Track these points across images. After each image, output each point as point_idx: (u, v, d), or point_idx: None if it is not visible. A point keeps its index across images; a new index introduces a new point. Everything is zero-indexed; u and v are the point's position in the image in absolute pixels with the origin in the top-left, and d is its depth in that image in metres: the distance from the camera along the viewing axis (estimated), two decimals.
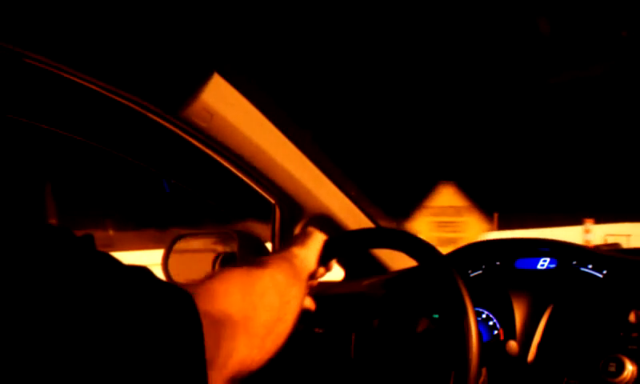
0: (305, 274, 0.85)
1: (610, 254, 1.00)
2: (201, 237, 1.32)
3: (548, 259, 1.04)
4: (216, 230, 1.31)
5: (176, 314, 0.54)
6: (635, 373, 0.84)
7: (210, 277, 0.67)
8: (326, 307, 1.05)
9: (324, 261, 0.94)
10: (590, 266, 0.98)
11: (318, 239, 0.93)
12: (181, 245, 1.29)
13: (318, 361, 1.08)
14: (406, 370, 0.96)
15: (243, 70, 1.10)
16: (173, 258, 1.28)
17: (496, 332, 0.99)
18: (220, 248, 1.27)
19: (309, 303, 0.94)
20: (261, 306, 0.67)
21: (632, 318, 0.88)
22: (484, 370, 0.85)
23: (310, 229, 0.96)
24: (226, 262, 1.24)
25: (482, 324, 1.00)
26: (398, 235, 0.94)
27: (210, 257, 1.26)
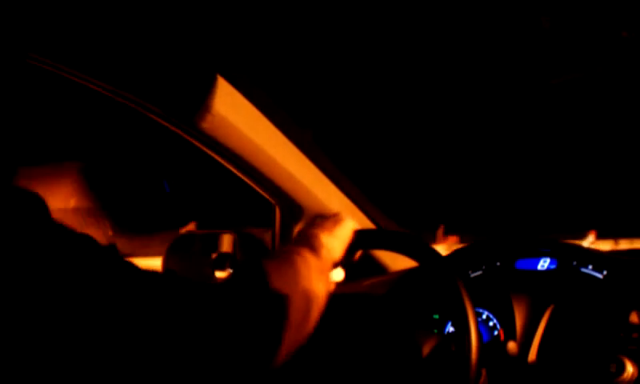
0: (329, 265, 0.82)
1: (610, 255, 1.00)
2: (201, 237, 1.32)
3: (548, 260, 1.04)
4: (216, 231, 1.31)
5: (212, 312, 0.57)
6: (635, 373, 0.84)
7: (241, 273, 0.68)
8: (326, 307, 1.05)
9: (351, 252, 0.90)
10: (591, 267, 0.98)
11: (347, 228, 0.88)
12: (181, 245, 1.29)
13: (317, 360, 1.08)
14: (407, 371, 0.96)
15: (244, 71, 1.10)
16: (173, 258, 1.28)
17: (496, 332, 0.99)
18: (220, 248, 1.27)
19: (337, 276, 0.90)
20: (289, 307, 0.67)
21: (632, 318, 0.88)
22: (484, 371, 0.85)
23: (342, 215, 0.91)
24: (226, 263, 1.24)
25: (482, 324, 1.00)
26: (404, 239, 0.93)
27: (211, 257, 1.26)
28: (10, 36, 0.60)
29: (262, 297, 0.64)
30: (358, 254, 0.95)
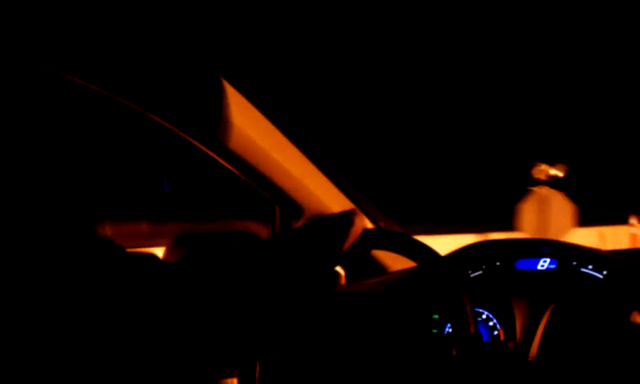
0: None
1: (610, 255, 1.00)
2: (201, 236, 1.32)
3: (548, 260, 1.04)
4: (217, 230, 1.31)
5: None
6: (635, 373, 0.84)
7: None
8: (327, 307, 1.05)
9: (356, 250, 0.90)
10: (591, 267, 0.98)
11: (358, 224, 0.90)
12: (181, 244, 1.29)
13: (315, 358, 1.08)
14: (406, 370, 0.96)
15: (245, 72, 1.10)
16: (173, 257, 1.28)
17: (496, 332, 0.99)
18: (220, 248, 1.27)
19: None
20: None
21: (633, 318, 0.88)
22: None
23: (356, 211, 0.92)
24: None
25: (482, 324, 1.00)
26: (408, 241, 0.92)
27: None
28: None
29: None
30: (370, 252, 0.96)
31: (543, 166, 5.60)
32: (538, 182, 5.54)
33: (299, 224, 1.31)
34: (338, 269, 1.37)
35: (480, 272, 1.10)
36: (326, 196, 1.29)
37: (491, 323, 1.00)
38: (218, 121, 1.07)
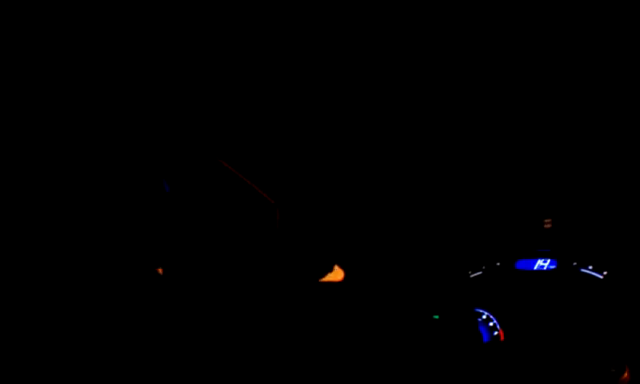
0: None
1: (610, 255, 1.00)
2: (198, 244, 1.32)
3: (548, 260, 1.04)
4: (214, 236, 1.30)
5: None
6: (635, 374, 0.84)
7: None
8: (328, 307, 1.05)
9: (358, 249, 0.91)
10: (591, 267, 0.98)
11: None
12: (179, 254, 1.29)
13: (320, 362, 1.08)
14: (405, 370, 0.96)
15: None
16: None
17: (496, 333, 0.99)
18: (219, 255, 1.26)
19: None
20: None
21: (632, 319, 0.88)
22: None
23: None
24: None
25: (482, 325, 1.00)
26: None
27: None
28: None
29: None
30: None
31: None
32: None
33: (298, 225, 1.31)
34: (337, 268, 1.36)
35: (480, 272, 1.10)
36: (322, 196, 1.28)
37: (491, 324, 1.00)
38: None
